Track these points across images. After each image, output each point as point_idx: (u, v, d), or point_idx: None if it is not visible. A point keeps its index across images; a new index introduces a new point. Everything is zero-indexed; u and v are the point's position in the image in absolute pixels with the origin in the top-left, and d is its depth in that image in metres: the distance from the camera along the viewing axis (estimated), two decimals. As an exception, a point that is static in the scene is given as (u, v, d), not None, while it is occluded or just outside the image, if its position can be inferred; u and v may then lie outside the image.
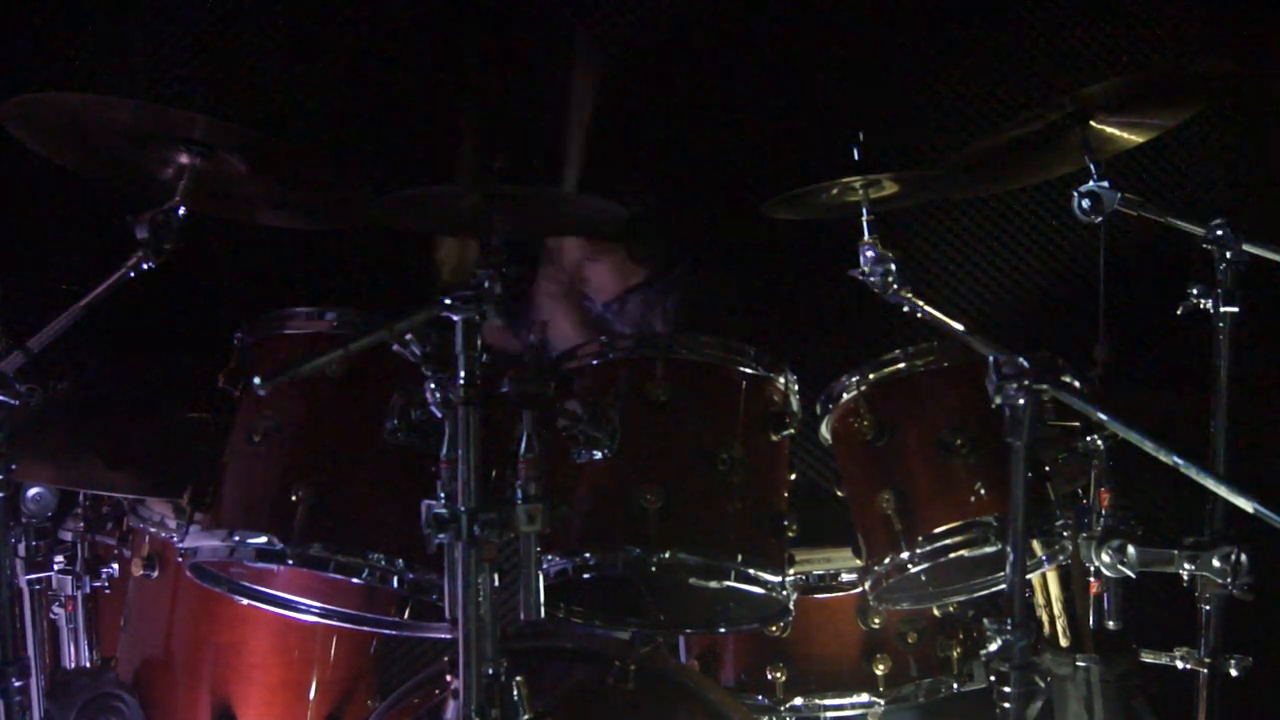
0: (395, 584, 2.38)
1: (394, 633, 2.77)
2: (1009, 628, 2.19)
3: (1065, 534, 2.47)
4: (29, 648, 2.72)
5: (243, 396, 2.51)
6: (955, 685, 2.80)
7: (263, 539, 2.34)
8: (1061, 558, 2.56)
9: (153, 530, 2.80)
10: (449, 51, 3.74)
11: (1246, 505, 2.01)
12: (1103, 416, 2.18)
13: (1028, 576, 2.60)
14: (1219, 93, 2.70)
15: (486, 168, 2.28)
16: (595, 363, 2.49)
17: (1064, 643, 2.86)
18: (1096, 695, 2.73)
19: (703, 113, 3.79)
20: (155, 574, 2.78)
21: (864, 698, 2.76)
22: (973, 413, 2.48)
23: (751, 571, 2.41)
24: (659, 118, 3.80)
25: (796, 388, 2.60)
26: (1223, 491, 2.08)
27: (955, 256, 3.87)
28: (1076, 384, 2.44)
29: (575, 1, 3.77)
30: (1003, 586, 2.40)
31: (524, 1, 3.81)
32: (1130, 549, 2.32)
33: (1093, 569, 2.38)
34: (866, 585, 2.61)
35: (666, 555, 2.34)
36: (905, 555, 2.50)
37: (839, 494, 2.75)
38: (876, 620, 2.78)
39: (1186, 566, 2.31)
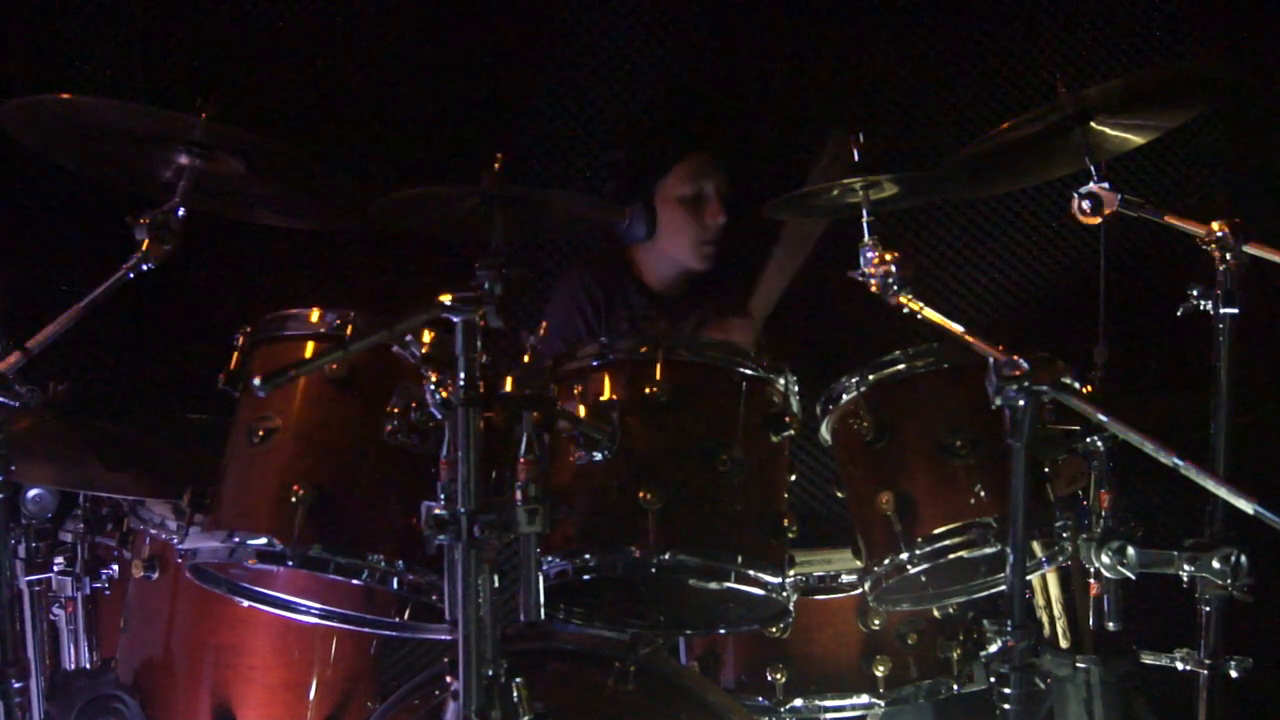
0: (395, 585, 2.38)
1: (394, 634, 2.76)
2: (1009, 629, 2.18)
3: (1065, 535, 2.47)
4: (29, 649, 2.73)
5: (243, 397, 2.51)
6: (955, 686, 2.80)
7: (262, 540, 2.33)
8: (1061, 559, 2.56)
9: (153, 531, 2.80)
10: (449, 50, 3.74)
11: (1246, 507, 2.00)
12: (1102, 418, 2.18)
13: (1027, 578, 2.60)
14: (1219, 93, 2.69)
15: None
16: (595, 363, 2.49)
17: (1064, 644, 2.87)
18: (1096, 696, 2.73)
19: (702, 114, 3.79)
20: (155, 575, 2.78)
21: (864, 699, 2.76)
22: (972, 414, 2.47)
23: (751, 573, 2.40)
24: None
25: (796, 389, 2.60)
26: (1222, 493, 2.07)
27: (955, 257, 3.87)
28: (1076, 385, 2.43)
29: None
30: (1002, 588, 2.40)
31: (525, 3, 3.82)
32: (1130, 550, 2.32)
33: (1092, 570, 2.38)
34: (866, 586, 2.61)
35: (666, 556, 2.34)
36: (905, 556, 2.50)
37: (839, 495, 2.75)
38: (876, 621, 2.78)
39: (1186, 568, 2.31)
